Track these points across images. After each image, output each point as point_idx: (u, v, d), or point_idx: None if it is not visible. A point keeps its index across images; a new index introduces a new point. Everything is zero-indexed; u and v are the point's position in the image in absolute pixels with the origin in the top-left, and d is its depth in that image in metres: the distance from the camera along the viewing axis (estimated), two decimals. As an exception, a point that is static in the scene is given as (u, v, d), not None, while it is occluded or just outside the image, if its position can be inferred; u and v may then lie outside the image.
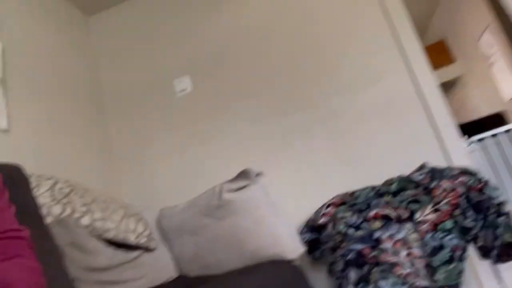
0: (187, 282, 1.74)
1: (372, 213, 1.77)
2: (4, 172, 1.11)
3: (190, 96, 2.57)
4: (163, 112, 2.60)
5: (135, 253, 1.82)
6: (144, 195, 2.50)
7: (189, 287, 1.60)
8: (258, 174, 1.88)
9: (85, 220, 1.64)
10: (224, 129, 2.46)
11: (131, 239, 1.80)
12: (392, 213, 1.74)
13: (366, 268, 1.64)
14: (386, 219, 1.73)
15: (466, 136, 3.11)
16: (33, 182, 1.70)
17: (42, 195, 1.64)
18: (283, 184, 2.26)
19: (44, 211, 1.57)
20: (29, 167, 1.84)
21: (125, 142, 2.62)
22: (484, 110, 4.69)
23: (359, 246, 1.70)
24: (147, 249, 1.87)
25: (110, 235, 1.72)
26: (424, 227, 1.68)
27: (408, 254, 1.63)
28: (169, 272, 1.89)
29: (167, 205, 2.18)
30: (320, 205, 2.00)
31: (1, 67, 1.86)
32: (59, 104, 2.25)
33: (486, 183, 1.72)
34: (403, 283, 1.54)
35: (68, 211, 1.60)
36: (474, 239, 1.71)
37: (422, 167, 1.91)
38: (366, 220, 1.77)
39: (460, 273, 1.63)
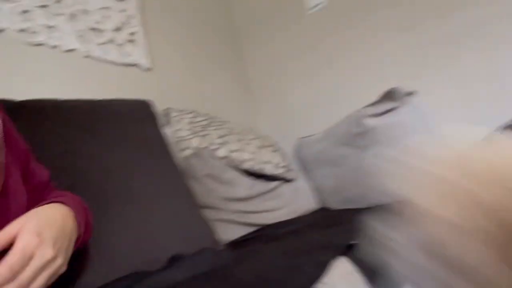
0: (331, 214, 1.61)
1: None
2: (133, 108, 1.13)
3: (325, 11, 2.25)
4: (296, 33, 2.37)
5: (274, 184, 1.78)
6: (281, 124, 2.42)
7: (334, 219, 1.46)
8: (408, 94, 1.53)
9: (222, 152, 1.65)
10: (365, 44, 2.09)
11: (268, 169, 1.76)
12: None
13: None
14: None
15: None
16: (174, 116, 1.79)
17: (182, 129, 1.71)
18: (442, 106, 1.82)
19: (183, 144, 1.63)
20: (172, 103, 1.94)
21: (260, 71, 2.54)
22: None
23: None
24: (285, 180, 1.81)
25: (247, 165, 1.71)
26: None
27: None
28: (310, 204, 1.80)
29: (304, 134, 2.05)
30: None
31: (141, 8, 1.93)
32: (196, 40, 2.28)
33: None
34: None
35: (205, 143, 1.63)
36: None
37: None
38: None
39: None
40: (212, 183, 1.53)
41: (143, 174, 0.97)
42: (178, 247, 0.93)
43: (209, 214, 1.48)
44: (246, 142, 1.75)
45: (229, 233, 1.47)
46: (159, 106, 1.88)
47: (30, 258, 0.50)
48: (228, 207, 1.53)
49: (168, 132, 1.60)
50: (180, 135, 1.69)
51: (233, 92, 2.42)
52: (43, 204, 0.60)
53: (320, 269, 0.66)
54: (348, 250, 0.80)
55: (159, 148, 1.10)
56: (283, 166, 1.80)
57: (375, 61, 2.04)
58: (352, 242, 0.80)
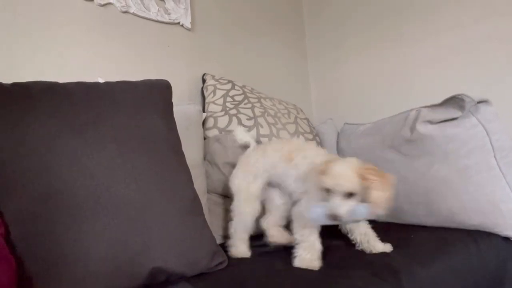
0: None
1: None
2: (142, 93, 1.02)
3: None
4: (361, 10, 2.04)
5: (304, 175, 1.63)
6: (330, 105, 2.19)
7: None
8: (479, 102, 1.23)
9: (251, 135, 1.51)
10: (440, 35, 1.73)
11: (300, 160, 1.60)
12: None
13: None
14: None
15: None
16: (210, 85, 1.65)
17: (214, 102, 1.59)
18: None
19: (210, 122, 1.51)
20: (210, 68, 1.80)
21: (319, 44, 2.26)
22: None
23: None
24: (318, 172, 1.65)
25: (277, 153, 1.56)
26: None
27: None
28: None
29: (351, 121, 1.83)
30: None
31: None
32: (245, 4, 2.04)
33: None
34: None
35: (233, 124, 1.50)
36: None
37: None
38: None
39: None
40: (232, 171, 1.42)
41: (137, 179, 0.87)
42: (166, 263, 0.85)
43: (225, 204, 1.39)
44: (279, 127, 1.58)
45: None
46: (196, 70, 1.76)
47: None
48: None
49: (195, 110, 1.48)
50: (211, 110, 1.57)
51: (283, 63, 2.20)
52: None
53: None
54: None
55: (164, 145, 0.98)
56: (318, 158, 1.62)
57: (448, 57, 1.69)
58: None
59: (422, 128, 1.32)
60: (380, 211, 0.92)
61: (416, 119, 1.35)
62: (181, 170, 1.03)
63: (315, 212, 0.92)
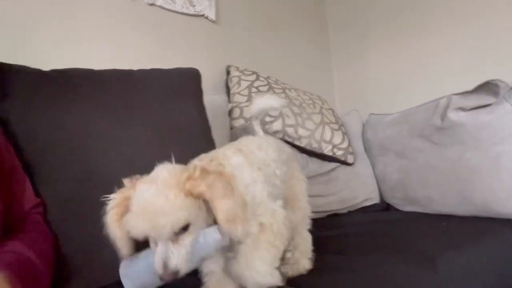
0: (386, 218, 1.38)
1: None
2: (174, 81, 1.03)
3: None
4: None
5: (330, 166, 1.62)
6: (353, 96, 2.16)
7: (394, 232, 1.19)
8: (514, 89, 1.20)
9: (276, 126, 1.51)
10: (470, 10, 1.68)
11: (326, 150, 1.59)
12: None
13: None
14: None
15: None
16: (234, 77, 1.66)
17: (239, 93, 1.59)
18: None
19: (236, 112, 1.52)
20: (234, 60, 1.81)
21: (343, 33, 2.24)
22: None
23: None
24: (343, 163, 1.63)
25: (302, 143, 1.56)
26: None
27: None
28: (367, 194, 1.61)
29: (376, 112, 1.80)
30: None
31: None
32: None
33: None
34: None
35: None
36: None
37: None
38: None
39: None
40: (259, 160, 1.42)
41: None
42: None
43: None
44: (305, 117, 1.58)
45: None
46: (220, 62, 1.77)
47: None
48: (274, 186, 1.42)
49: (221, 100, 1.49)
50: (236, 100, 1.57)
51: (306, 55, 2.19)
52: None
53: None
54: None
55: (196, 131, 0.99)
56: (343, 148, 1.61)
57: (479, 42, 1.64)
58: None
59: (453, 115, 1.29)
60: (237, 228, 0.60)
61: (447, 107, 1.32)
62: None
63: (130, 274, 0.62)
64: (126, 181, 0.64)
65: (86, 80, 0.87)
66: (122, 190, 0.62)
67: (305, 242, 0.90)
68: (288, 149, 1.03)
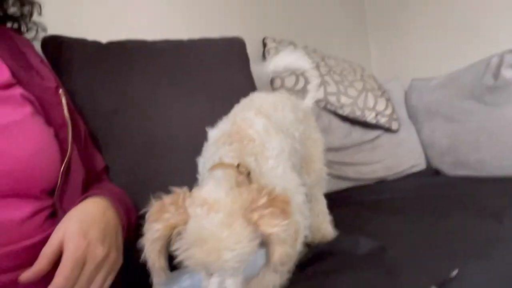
0: (439, 186, 1.34)
1: None
2: (221, 48, 1.03)
3: None
4: None
5: (374, 133, 1.58)
6: (394, 63, 2.09)
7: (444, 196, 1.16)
8: None
9: (318, 94, 1.49)
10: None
11: (369, 117, 1.56)
12: None
13: None
14: None
15: None
16: (271, 48, 1.64)
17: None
18: None
19: (277, 83, 1.51)
20: (269, 32, 1.78)
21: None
22: None
23: None
24: (388, 130, 1.60)
25: (345, 111, 1.53)
26: None
27: None
28: (413, 160, 1.58)
29: (420, 76, 1.74)
30: None
31: None
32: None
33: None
34: None
35: (301, 83, 1.49)
36: None
37: None
38: None
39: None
40: (303, 129, 1.41)
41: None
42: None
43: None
44: (346, 84, 1.55)
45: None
46: (256, 35, 1.75)
47: (83, 264, 0.48)
48: (319, 156, 1.42)
49: (261, 68, 1.48)
50: (275, 71, 1.56)
51: (341, 22, 2.12)
52: (80, 201, 0.57)
53: None
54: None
55: (246, 95, 0.99)
56: (388, 115, 1.57)
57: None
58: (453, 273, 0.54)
59: (507, 73, 1.24)
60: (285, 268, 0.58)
61: (500, 65, 1.27)
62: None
63: None
64: (174, 190, 0.55)
65: (141, 50, 0.89)
66: (165, 216, 0.52)
67: (322, 206, 0.86)
68: (304, 105, 0.95)
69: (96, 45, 0.85)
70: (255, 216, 0.51)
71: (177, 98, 0.87)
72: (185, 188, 0.55)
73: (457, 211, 0.86)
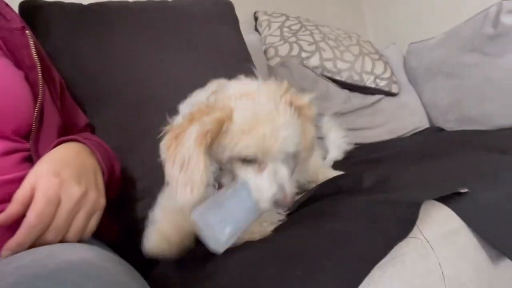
0: (442, 137, 1.32)
1: None
2: (209, 9, 1.00)
3: None
4: None
5: (374, 98, 1.54)
6: (389, 30, 2.04)
7: (445, 143, 1.16)
8: None
9: (313, 61, 1.45)
10: None
11: (368, 81, 1.52)
12: None
13: None
14: None
15: None
16: (263, 21, 1.61)
17: (271, 34, 1.54)
18: None
19: (271, 52, 1.47)
20: (259, 6, 1.74)
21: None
22: None
23: None
24: (388, 94, 1.56)
25: (343, 77, 1.49)
26: None
27: None
28: (417, 122, 1.54)
29: (418, 39, 1.69)
30: None
31: None
32: None
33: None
34: None
35: (295, 51, 1.45)
36: None
37: None
38: None
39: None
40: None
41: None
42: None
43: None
44: (342, 49, 1.51)
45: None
46: (247, 9, 1.71)
47: (57, 202, 0.44)
48: (319, 122, 1.38)
49: (256, 38, 1.45)
50: (269, 42, 1.52)
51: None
52: (53, 147, 0.53)
53: (407, 222, 0.47)
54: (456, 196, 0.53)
55: (238, 55, 0.96)
56: (387, 78, 1.53)
57: None
58: (462, 190, 0.53)
59: (507, 19, 1.19)
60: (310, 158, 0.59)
61: (499, 12, 1.22)
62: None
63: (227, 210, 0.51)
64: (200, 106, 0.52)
65: (123, 10, 0.86)
66: (203, 116, 0.50)
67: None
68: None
69: (75, 6, 0.82)
70: (288, 96, 0.53)
71: (164, 57, 0.83)
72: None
73: (465, 149, 0.82)
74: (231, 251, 0.50)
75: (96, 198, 0.49)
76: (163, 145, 0.53)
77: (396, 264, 0.46)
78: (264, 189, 0.50)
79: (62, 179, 0.46)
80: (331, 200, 0.60)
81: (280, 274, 0.43)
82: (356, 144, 1.40)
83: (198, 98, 0.60)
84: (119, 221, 0.70)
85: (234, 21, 1.03)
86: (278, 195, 0.49)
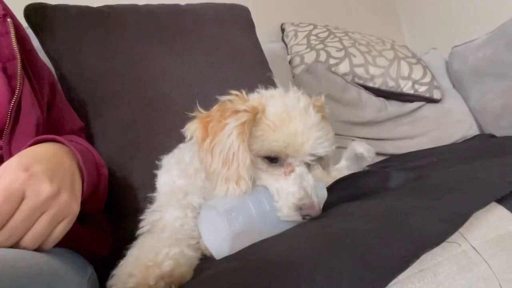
0: (494, 143, 1.14)
1: None
2: (233, 13, 0.96)
3: None
4: None
5: (413, 105, 1.40)
6: (428, 34, 1.89)
7: (497, 148, 0.99)
8: None
9: (343, 67, 1.35)
10: None
11: (405, 87, 1.38)
12: None
13: None
14: None
15: None
16: (290, 31, 1.54)
17: (297, 44, 1.47)
18: None
19: (296, 60, 1.40)
20: (287, 18, 1.69)
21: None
22: None
23: None
24: (429, 100, 1.41)
25: (376, 83, 1.37)
26: None
27: None
28: (464, 129, 1.37)
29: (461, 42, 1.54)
30: None
31: None
32: None
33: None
34: None
35: (322, 57, 1.36)
36: None
37: None
38: None
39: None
40: (329, 103, 1.26)
41: (224, 88, 0.80)
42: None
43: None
44: (375, 54, 1.40)
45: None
46: (273, 22, 1.66)
47: (19, 198, 0.37)
48: (351, 133, 1.26)
49: (279, 46, 1.39)
50: (295, 51, 1.45)
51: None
52: (29, 145, 0.47)
53: (455, 219, 0.36)
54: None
55: (252, 59, 0.90)
56: (427, 83, 1.39)
57: None
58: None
59: None
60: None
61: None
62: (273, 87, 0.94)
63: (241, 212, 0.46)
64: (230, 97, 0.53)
65: (133, 13, 0.83)
66: (237, 105, 0.50)
67: None
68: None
69: (82, 9, 0.80)
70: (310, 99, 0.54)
71: (174, 60, 0.79)
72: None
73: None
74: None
75: (68, 202, 0.41)
76: (193, 131, 0.52)
77: (426, 277, 0.34)
78: (290, 192, 0.46)
79: (31, 173, 0.39)
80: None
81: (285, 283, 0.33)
82: (392, 154, 1.27)
83: None
84: (114, 233, 0.64)
85: (249, 26, 0.98)
86: (306, 201, 0.45)
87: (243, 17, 0.99)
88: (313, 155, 0.49)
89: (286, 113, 0.48)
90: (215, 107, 0.53)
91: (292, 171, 0.47)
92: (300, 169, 0.47)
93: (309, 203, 0.44)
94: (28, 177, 0.39)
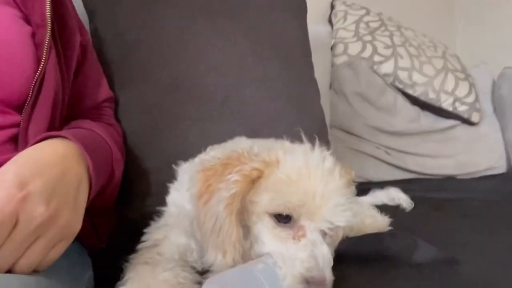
0: None
1: None
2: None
3: None
4: None
5: (448, 123, 1.33)
6: (481, 49, 1.76)
7: None
8: None
9: (386, 67, 1.26)
10: None
11: (445, 103, 1.30)
12: None
13: None
14: None
15: None
16: (340, 11, 1.43)
17: (344, 28, 1.36)
18: None
19: (339, 48, 1.30)
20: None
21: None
22: None
23: None
24: (465, 121, 1.33)
25: (416, 91, 1.29)
26: None
27: None
28: (493, 161, 1.30)
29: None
30: None
31: None
32: None
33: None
34: None
35: (367, 52, 1.27)
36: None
37: None
38: None
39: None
40: (363, 104, 1.21)
41: (267, 84, 0.75)
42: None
43: (349, 142, 1.20)
44: (423, 60, 1.30)
45: (370, 172, 1.17)
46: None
47: (12, 223, 0.33)
48: (377, 140, 1.21)
49: (324, 31, 1.29)
50: (340, 36, 1.35)
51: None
52: (36, 142, 0.42)
53: None
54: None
55: (296, 52, 0.83)
56: (469, 103, 1.31)
57: None
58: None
59: None
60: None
61: None
62: (311, 85, 0.88)
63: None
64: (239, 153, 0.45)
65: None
66: (241, 166, 0.42)
67: None
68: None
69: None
70: (340, 169, 0.45)
71: (213, 37, 0.72)
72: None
73: None
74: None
75: (68, 223, 0.38)
76: (194, 182, 0.44)
77: None
78: (298, 259, 0.39)
79: (26, 193, 0.35)
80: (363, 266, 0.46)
81: None
82: (412, 171, 1.23)
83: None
84: (117, 218, 0.62)
85: (301, 10, 0.89)
86: (315, 273, 0.37)
87: (296, 2, 0.90)
88: (331, 223, 0.41)
89: (306, 169, 0.41)
90: (221, 159, 0.45)
91: (304, 236, 0.40)
92: (314, 235, 0.40)
93: (318, 277, 0.37)
94: (23, 198, 0.35)
